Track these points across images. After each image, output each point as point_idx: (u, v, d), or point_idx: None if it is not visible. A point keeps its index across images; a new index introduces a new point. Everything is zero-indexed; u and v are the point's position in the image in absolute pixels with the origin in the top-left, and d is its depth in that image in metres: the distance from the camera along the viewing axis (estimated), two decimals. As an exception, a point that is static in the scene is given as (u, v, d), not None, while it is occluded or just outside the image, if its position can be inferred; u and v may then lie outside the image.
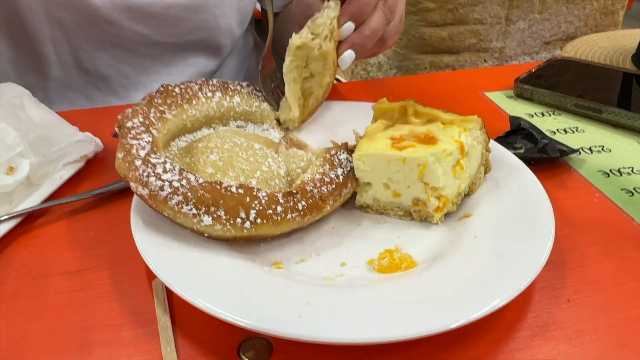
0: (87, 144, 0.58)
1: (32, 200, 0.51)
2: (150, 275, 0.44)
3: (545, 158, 0.58)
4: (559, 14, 1.82)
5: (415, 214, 0.49)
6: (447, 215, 0.50)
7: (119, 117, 0.47)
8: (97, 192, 0.54)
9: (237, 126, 0.58)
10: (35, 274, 0.45)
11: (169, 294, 0.43)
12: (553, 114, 0.71)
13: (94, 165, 0.59)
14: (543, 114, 0.71)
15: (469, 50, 1.80)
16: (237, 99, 0.56)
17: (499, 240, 0.44)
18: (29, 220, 0.51)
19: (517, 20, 1.79)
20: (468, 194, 0.51)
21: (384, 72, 1.87)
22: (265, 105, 0.58)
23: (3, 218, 0.48)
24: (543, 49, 1.89)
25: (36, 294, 0.43)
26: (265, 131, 0.58)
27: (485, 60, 1.85)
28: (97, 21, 0.70)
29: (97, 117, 0.69)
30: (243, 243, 0.44)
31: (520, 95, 0.75)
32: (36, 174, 0.53)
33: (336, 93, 0.79)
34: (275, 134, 0.58)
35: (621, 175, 0.59)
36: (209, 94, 0.55)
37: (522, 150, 0.59)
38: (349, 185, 0.48)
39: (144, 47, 0.74)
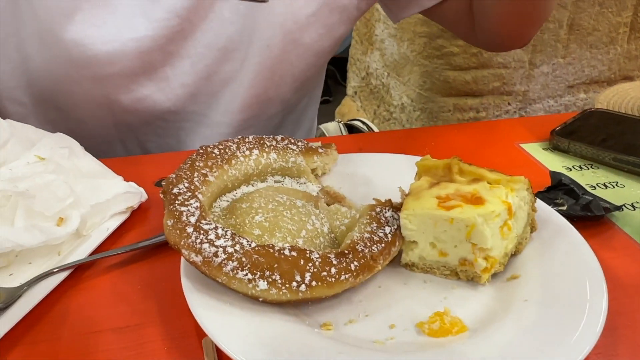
0: (133, 195, 0.59)
1: (81, 252, 0.52)
2: (200, 333, 0.44)
3: (590, 216, 0.58)
4: (582, 58, 1.83)
5: (462, 273, 0.49)
6: (494, 275, 0.49)
7: (164, 183, 0.48)
8: (143, 245, 0.54)
9: (275, 181, 0.58)
10: (85, 330, 0.45)
11: (219, 353, 0.42)
12: (591, 167, 0.71)
13: (138, 215, 0.60)
14: (581, 167, 0.71)
15: (493, 94, 1.82)
16: (273, 155, 0.57)
17: (551, 306, 0.44)
18: (77, 272, 0.52)
19: (540, 64, 1.80)
20: (514, 254, 0.51)
21: (407, 114, 1.89)
22: (300, 159, 0.59)
23: (54, 270, 0.49)
24: (567, 92, 1.90)
25: (87, 350, 0.43)
26: (303, 185, 0.59)
27: (508, 104, 1.86)
28: (162, 115, 0.73)
29: (139, 165, 0.70)
30: (293, 304, 0.44)
31: (556, 148, 0.75)
32: (85, 225, 0.54)
33: (370, 143, 0.80)
34: (313, 188, 0.58)
35: (666, 233, 0.58)
36: (247, 152, 0.55)
37: (564, 207, 0.59)
38: (397, 243, 0.48)
39: (202, 128, 0.76)
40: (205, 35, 0.71)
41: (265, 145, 0.58)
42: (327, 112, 2.36)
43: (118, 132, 0.77)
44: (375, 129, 1.42)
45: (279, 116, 0.84)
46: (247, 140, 0.57)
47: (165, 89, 0.73)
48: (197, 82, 0.74)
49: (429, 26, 1.67)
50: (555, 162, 0.72)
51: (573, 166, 0.72)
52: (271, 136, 0.59)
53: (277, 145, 0.58)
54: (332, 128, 1.42)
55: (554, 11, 1.70)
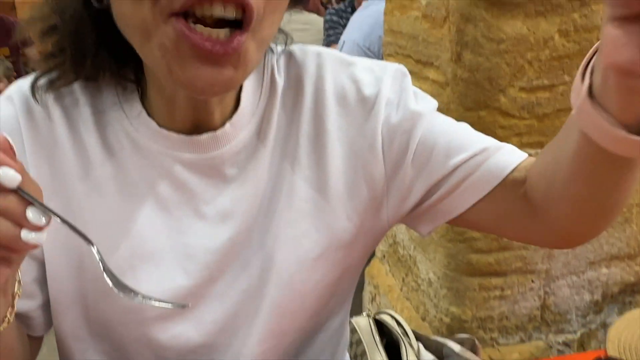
0: None
1: None
2: None
3: None
4: (600, 237, 1.92)
5: None
6: None
7: None
8: None
9: None
10: None
11: None
12: None
13: None
14: None
15: (516, 273, 1.89)
16: None
17: None
18: None
19: (560, 244, 1.89)
20: None
21: (435, 290, 1.97)
22: None
23: None
24: (589, 268, 1.96)
25: None
26: None
27: (532, 281, 1.93)
28: (194, 348, 0.85)
29: None
30: None
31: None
32: None
33: None
34: None
35: None
36: None
37: None
38: None
39: (227, 356, 0.86)
40: (231, 279, 0.84)
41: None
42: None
43: None
44: (405, 325, 1.50)
45: (295, 345, 0.92)
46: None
47: (197, 326, 0.85)
48: (224, 319, 0.85)
49: (451, 214, 1.80)
50: None
51: None
52: None
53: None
54: (363, 325, 1.51)
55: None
